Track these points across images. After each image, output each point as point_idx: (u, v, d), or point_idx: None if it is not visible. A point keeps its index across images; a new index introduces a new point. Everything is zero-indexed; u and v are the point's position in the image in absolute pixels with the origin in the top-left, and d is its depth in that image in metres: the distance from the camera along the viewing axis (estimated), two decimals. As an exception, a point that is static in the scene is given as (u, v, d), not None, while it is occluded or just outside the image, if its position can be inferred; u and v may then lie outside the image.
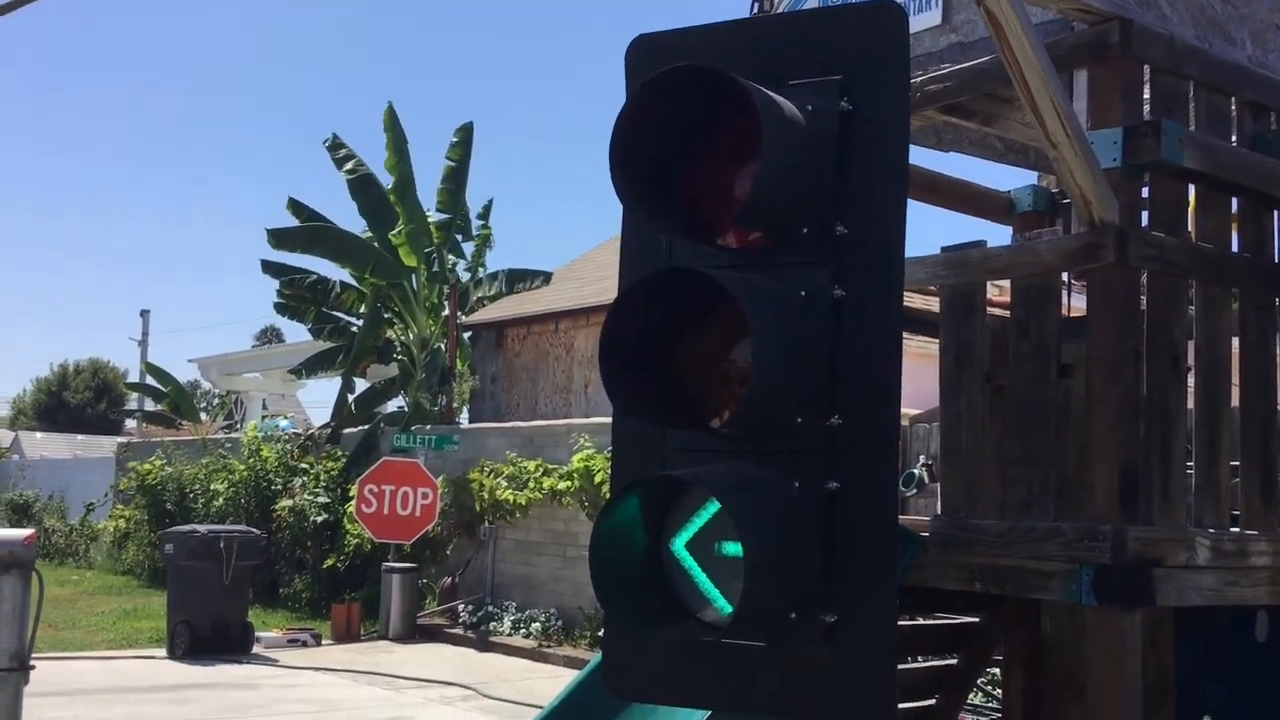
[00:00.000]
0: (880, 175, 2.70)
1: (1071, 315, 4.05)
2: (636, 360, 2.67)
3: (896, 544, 2.70)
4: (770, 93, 2.60)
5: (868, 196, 2.68)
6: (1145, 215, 3.80)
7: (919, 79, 4.02)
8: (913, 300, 7.47)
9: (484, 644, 14.90)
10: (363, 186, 21.74)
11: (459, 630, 15.57)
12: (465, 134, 22.20)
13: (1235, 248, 4.00)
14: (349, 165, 21.75)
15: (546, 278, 22.52)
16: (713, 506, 2.60)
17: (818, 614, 2.57)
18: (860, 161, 2.69)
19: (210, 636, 13.46)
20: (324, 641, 14.94)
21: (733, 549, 2.58)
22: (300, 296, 22.30)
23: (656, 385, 2.70)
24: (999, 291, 4.63)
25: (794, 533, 2.57)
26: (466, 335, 23.44)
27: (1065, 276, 4.47)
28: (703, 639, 2.62)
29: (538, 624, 14.79)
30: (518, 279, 22.65)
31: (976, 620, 5.53)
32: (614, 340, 2.64)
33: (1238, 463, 4.08)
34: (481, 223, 23.47)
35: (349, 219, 23.17)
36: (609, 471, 3.02)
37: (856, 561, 2.59)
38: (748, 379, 2.64)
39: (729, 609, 2.58)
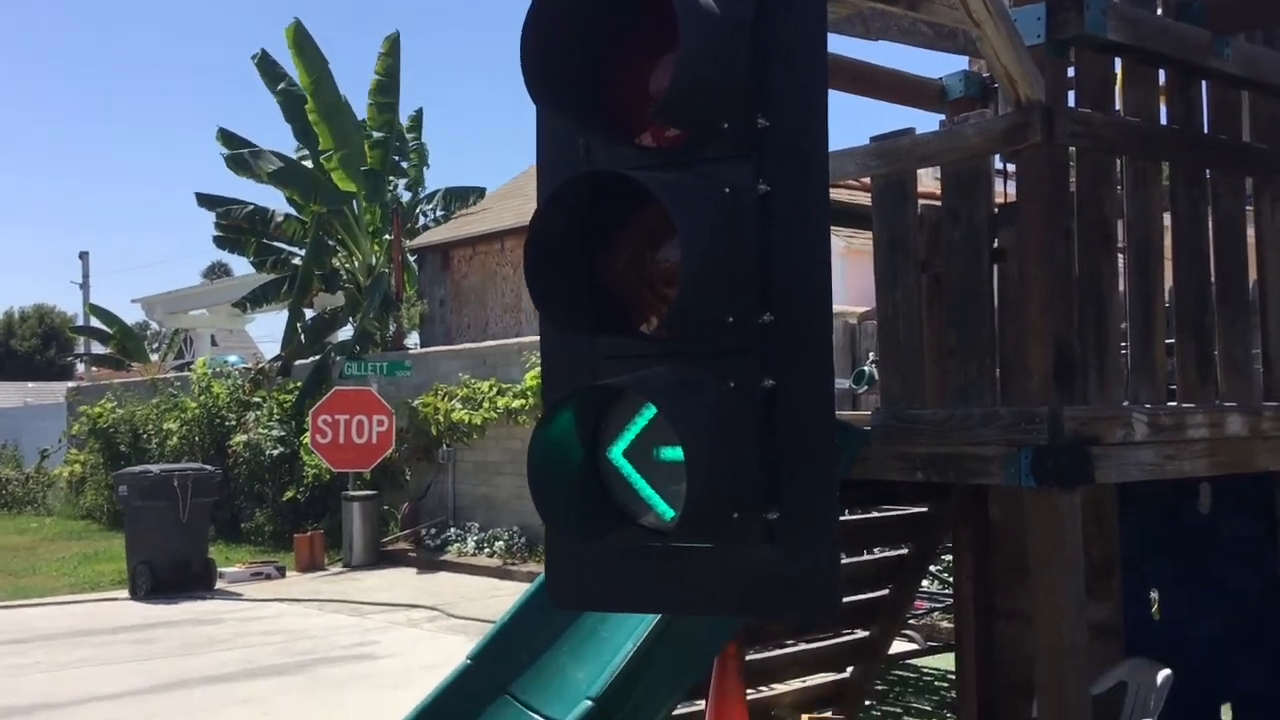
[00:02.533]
0: (800, 63, 2.63)
1: (1008, 203, 4.02)
2: (561, 269, 2.62)
3: (835, 438, 2.68)
4: (683, -17, 2.51)
5: (788, 87, 2.61)
6: (1073, 96, 3.77)
7: (840, -36, 3.92)
8: (847, 194, 7.44)
9: (449, 565, 14.97)
10: (295, 106, 21.18)
11: (422, 554, 15.63)
12: (392, 45, 21.61)
13: (1164, 121, 3.97)
14: (281, 85, 21.19)
15: (481, 193, 22.19)
16: (648, 412, 2.56)
17: (760, 512, 2.56)
18: (779, 51, 2.62)
19: (171, 575, 13.42)
20: (288, 573, 14.95)
21: (670, 453, 2.55)
22: (238, 228, 21.91)
23: (583, 292, 2.65)
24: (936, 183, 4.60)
25: (732, 432, 2.54)
26: (412, 259, 23.18)
27: (1003, 164, 4.46)
28: (646, 544, 2.60)
29: (501, 542, 14.86)
30: (455, 197, 22.30)
31: (925, 510, 5.60)
32: (537, 250, 2.58)
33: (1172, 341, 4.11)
34: (414, 136, 22.99)
35: (284, 145, 22.69)
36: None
37: (796, 457, 2.57)
38: (675, 280, 2.59)
39: (671, 513, 2.56)
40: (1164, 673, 4.77)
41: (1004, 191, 4.32)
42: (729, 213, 2.57)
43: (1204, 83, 4.02)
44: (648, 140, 2.65)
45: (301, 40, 20.56)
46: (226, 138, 21.64)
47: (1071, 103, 3.72)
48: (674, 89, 2.49)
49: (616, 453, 2.61)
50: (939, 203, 4.16)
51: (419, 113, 23.50)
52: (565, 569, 2.79)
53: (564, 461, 2.58)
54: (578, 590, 2.79)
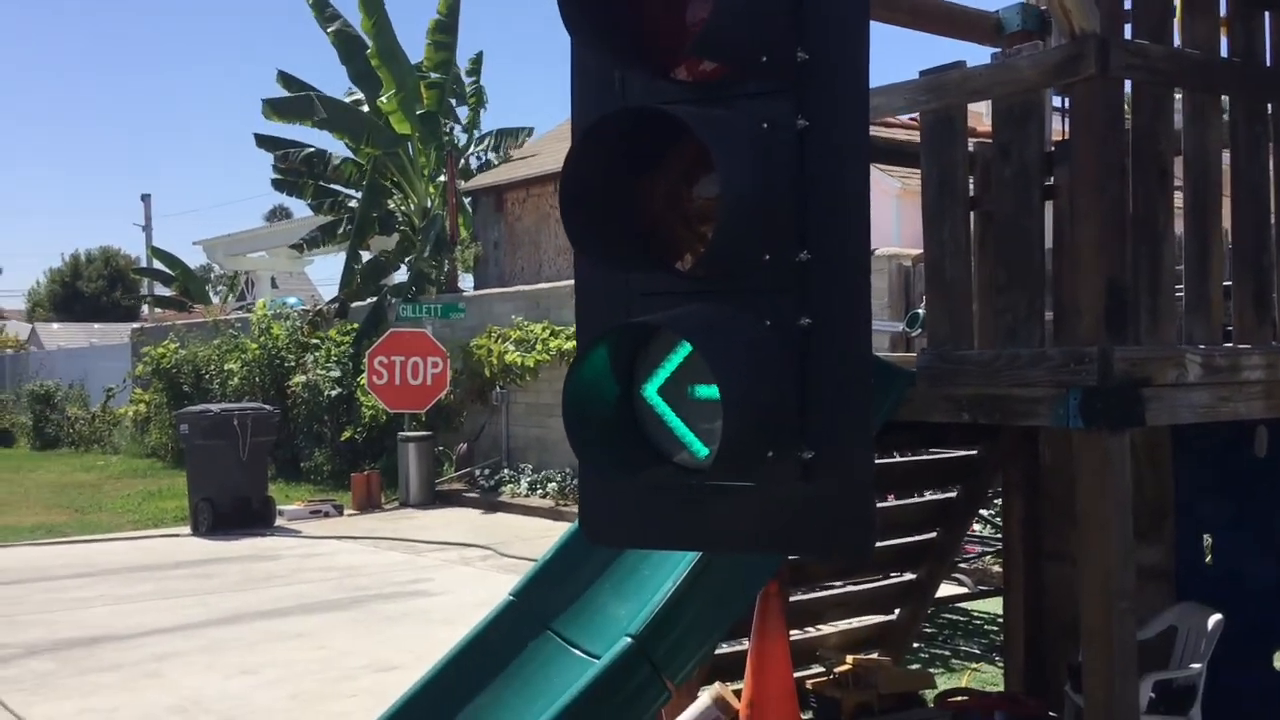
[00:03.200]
0: (841, -5, 2.56)
1: (1064, 139, 3.92)
2: (597, 205, 2.58)
3: (872, 378, 2.64)
4: (721, -88, 2.45)
5: (829, 20, 2.54)
6: (1129, 29, 3.65)
7: (889, -107, 3.82)
8: (904, 134, 7.30)
9: (502, 506, 15.12)
10: (351, 48, 21.19)
11: (477, 494, 15.79)
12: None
13: (1224, 53, 3.84)
14: (334, 26, 21.18)
15: (529, 132, 22.14)
16: (683, 350, 2.54)
17: (795, 451, 2.53)
18: (819, -20, 2.55)
19: (232, 512, 13.68)
20: (346, 511, 15.18)
21: (705, 391, 2.53)
22: (296, 171, 22.04)
23: (619, 229, 2.62)
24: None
25: (767, 371, 2.51)
26: (467, 200, 23.21)
27: (1061, 102, 4.34)
28: (680, 482, 2.59)
29: (554, 484, 14.97)
30: (505, 136, 22.27)
31: (975, 453, 5.55)
32: (573, 187, 2.55)
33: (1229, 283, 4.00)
34: (473, 79, 22.94)
35: (337, 88, 22.73)
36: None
37: (831, 397, 2.54)
38: (712, 217, 2.56)
39: (705, 452, 2.54)
40: (1215, 617, 4.71)
41: (1061, 129, 4.21)
42: (767, 148, 2.53)
43: (1266, 13, 3.87)
44: (684, 74, 2.60)
45: None
46: (286, 80, 21.72)
47: (1128, 35, 3.60)
48: (712, 21, 2.44)
49: (651, 390, 2.59)
50: (990, 140, 4.07)
51: (479, 56, 23.45)
52: (599, 505, 2.79)
53: (598, 399, 2.57)
54: (611, 527, 2.79)
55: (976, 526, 9.33)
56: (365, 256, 22.52)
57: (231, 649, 8.15)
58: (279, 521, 14.20)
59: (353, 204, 22.26)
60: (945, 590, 8.19)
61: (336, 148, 22.33)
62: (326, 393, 18.20)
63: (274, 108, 20.94)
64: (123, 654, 8.08)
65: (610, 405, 2.58)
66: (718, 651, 4.96)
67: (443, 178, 21.30)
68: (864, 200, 2.53)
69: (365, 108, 21.53)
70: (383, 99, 20.61)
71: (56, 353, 34.72)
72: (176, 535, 13.65)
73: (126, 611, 9.45)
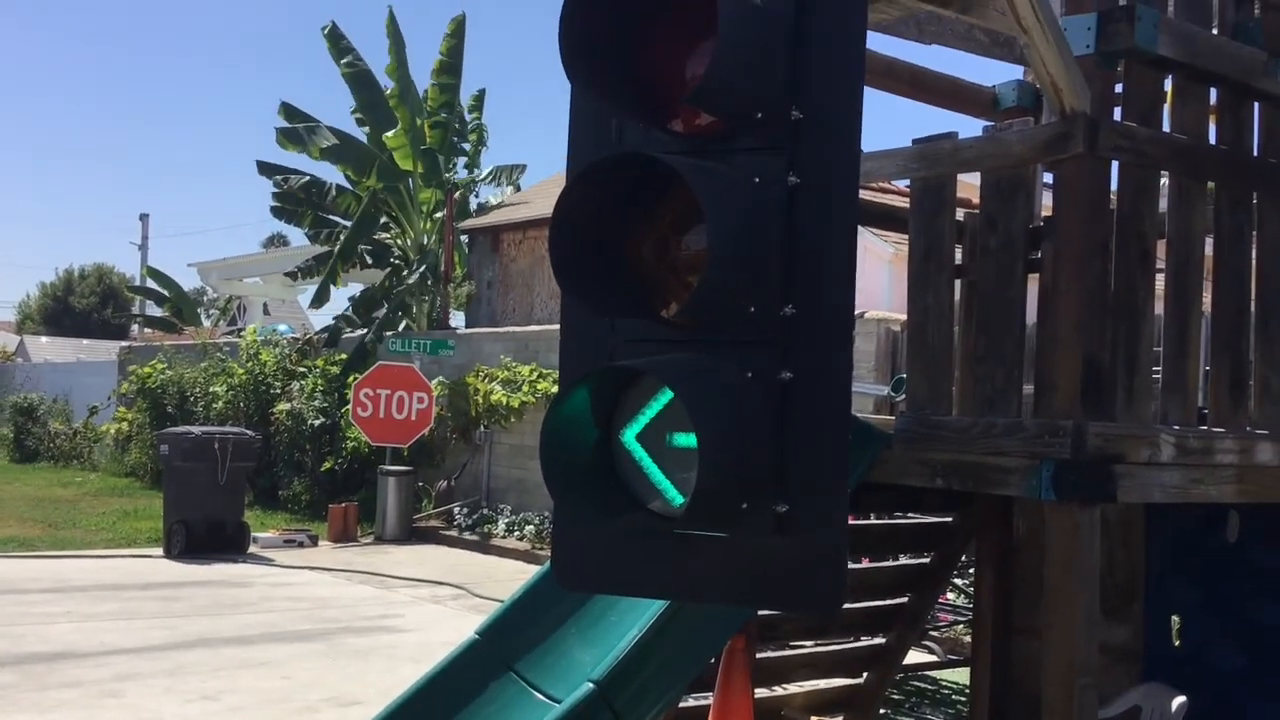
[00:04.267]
0: (838, 59, 2.61)
1: (1050, 216, 3.98)
2: (586, 248, 2.62)
3: (850, 435, 2.67)
4: (724, -29, 2.51)
5: (825, 81, 2.60)
6: (1120, 111, 3.72)
7: (892, -36, 3.89)
8: (899, 201, 7.39)
9: (479, 546, 15.06)
10: (361, 83, 21.48)
11: (454, 533, 15.73)
12: (458, 26, 21.84)
13: (1213, 140, 3.91)
14: (347, 59, 21.47)
15: (523, 170, 22.42)
16: (664, 397, 2.56)
17: (769, 503, 2.55)
18: (817, 45, 2.60)
19: (206, 536, 13.60)
20: (320, 542, 15.11)
21: (683, 440, 2.55)
22: (295, 198, 22.13)
23: (607, 273, 2.65)
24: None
25: (747, 422, 2.54)
26: (463, 239, 23.30)
27: (1048, 177, 4.40)
28: (654, 529, 2.61)
29: (531, 526, 14.93)
30: (499, 174, 22.52)
31: (949, 520, 5.56)
32: (564, 227, 2.59)
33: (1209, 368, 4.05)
34: (474, 116, 23.15)
35: (338, 119, 22.97)
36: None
37: (809, 451, 2.56)
38: (699, 267, 2.59)
39: (680, 499, 2.55)
40: (1179, 699, 4.71)
41: (1052, 205, 4.27)
42: (757, 203, 2.57)
43: (1256, 104, 3.95)
44: (680, 126, 2.65)
45: (394, 28, 21.18)
46: (288, 111, 21.88)
47: (1118, 117, 3.67)
48: (709, 76, 2.48)
49: (630, 436, 2.61)
50: (978, 211, 4.13)
51: (481, 93, 23.66)
52: (572, 549, 2.80)
53: (577, 440, 2.59)
54: (583, 572, 2.80)
55: (950, 595, 9.33)
56: (356, 288, 22.57)
57: (194, 674, 8.08)
58: (252, 548, 14.12)
59: (349, 235, 22.34)
60: (915, 657, 8.16)
61: (337, 178, 22.49)
62: (310, 422, 18.16)
63: (286, 135, 21.13)
64: (84, 672, 8.00)
65: (588, 447, 2.60)
66: (681, 704, 4.94)
67: (440, 214, 21.40)
68: (850, 259, 2.57)
69: (365, 136, 21.73)
70: (389, 135, 20.81)
71: (43, 366, 34.58)
72: (149, 556, 13.56)
73: (91, 630, 9.37)
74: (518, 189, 24.50)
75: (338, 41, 21.66)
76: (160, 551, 13.68)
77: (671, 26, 2.63)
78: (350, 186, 22.13)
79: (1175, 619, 5.46)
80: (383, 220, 22.07)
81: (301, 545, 14.76)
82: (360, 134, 22.01)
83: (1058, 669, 3.55)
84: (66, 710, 7.04)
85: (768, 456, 2.53)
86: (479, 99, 23.53)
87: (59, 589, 11.13)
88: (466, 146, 23.08)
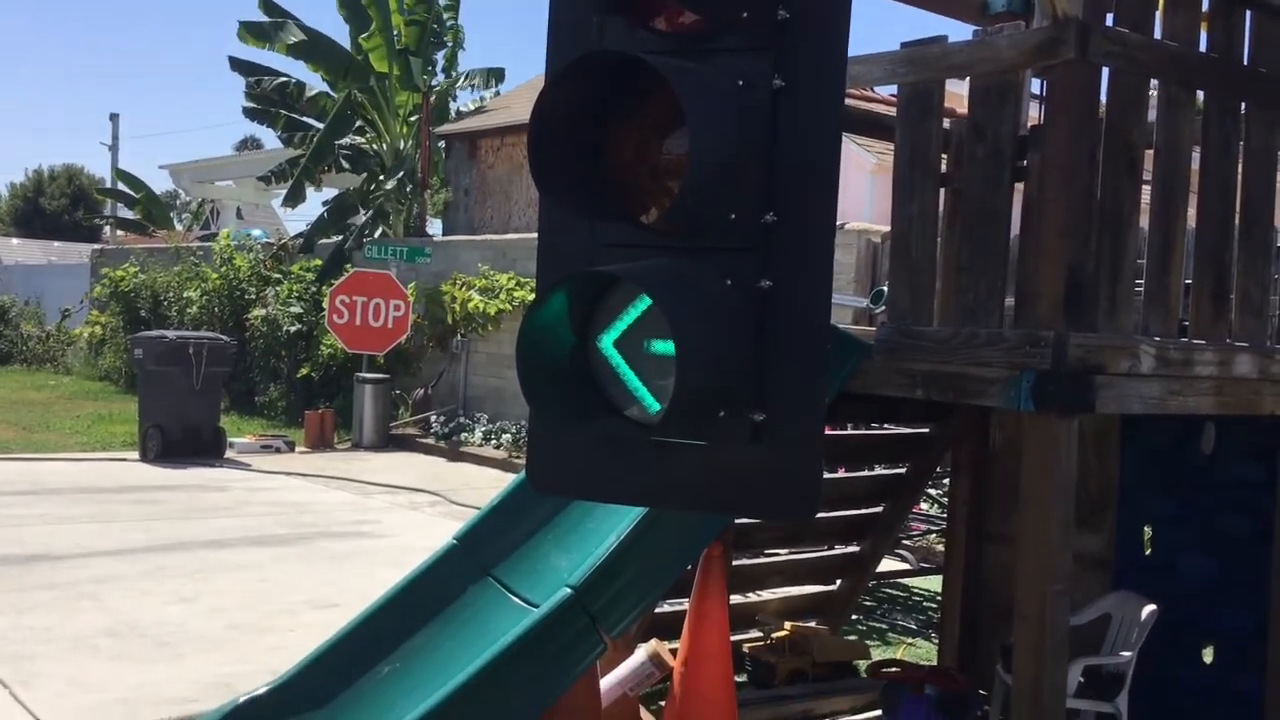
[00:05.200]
0: (826, -44, 2.53)
1: (1039, 125, 3.92)
2: (566, 148, 2.56)
3: (829, 345, 2.64)
4: None
5: (812, -21, 2.52)
6: (1112, 18, 3.64)
7: None
8: (875, 105, 7.28)
9: (455, 454, 15.09)
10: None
11: (431, 440, 15.75)
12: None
13: (1204, 47, 3.85)
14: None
15: (500, 75, 22.06)
16: (642, 303, 2.52)
17: (746, 412, 2.53)
18: (804, -59, 2.52)
19: (182, 440, 13.57)
20: (297, 448, 15.10)
21: (660, 347, 2.52)
22: (269, 99, 21.72)
23: (586, 176, 2.60)
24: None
25: (725, 329, 2.51)
26: (441, 144, 22.99)
27: (1041, 88, 4.33)
28: (630, 436, 2.59)
29: (508, 435, 14.96)
30: (476, 77, 22.17)
31: (926, 430, 5.58)
32: (543, 128, 2.52)
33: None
34: (451, 17, 22.65)
35: (319, 19, 22.47)
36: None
37: (787, 360, 2.54)
38: (680, 172, 2.54)
39: (656, 406, 2.53)
40: (1149, 608, 4.77)
41: (1039, 116, 4.21)
42: (741, 107, 2.51)
43: (1248, 12, 3.88)
44: (663, 24, 2.58)
45: None
46: (268, 6, 21.35)
47: (1110, 23, 3.59)
48: (694, -30, 2.41)
49: (607, 342, 2.58)
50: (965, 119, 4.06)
51: (458, -9, 23.13)
52: (547, 453, 2.78)
53: (553, 346, 2.56)
54: (558, 475, 2.79)
55: (924, 505, 9.42)
56: (331, 192, 22.28)
57: (171, 576, 8.10)
58: (229, 453, 14.10)
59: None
60: (887, 565, 8.26)
61: (313, 80, 22.04)
62: (286, 328, 18.05)
63: (250, 30, 20.60)
64: (60, 574, 8.01)
65: (565, 352, 2.57)
66: (657, 609, 4.99)
67: (416, 118, 21.07)
68: (834, 167, 2.52)
69: (344, 37, 21.28)
70: (364, 36, 20.38)
71: (14, 268, 34.19)
72: (124, 460, 13.53)
73: (67, 532, 9.37)
74: (498, 94, 24.10)
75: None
76: (136, 455, 13.65)
77: (654, -80, 2.54)
78: (327, 88, 21.72)
79: (1147, 529, 5.53)
80: (358, 124, 21.70)
81: (279, 451, 14.76)
82: (332, 32, 21.53)
83: (1030, 575, 3.58)
84: (43, 612, 7.06)
85: (746, 365, 2.51)
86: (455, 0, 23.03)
87: (34, 491, 11.11)
88: (443, 50, 22.63)
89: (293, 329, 18.00)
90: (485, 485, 12.43)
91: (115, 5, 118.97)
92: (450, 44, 22.70)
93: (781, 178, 2.51)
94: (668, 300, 2.40)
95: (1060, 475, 3.48)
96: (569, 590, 3.51)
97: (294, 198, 20.91)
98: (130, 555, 8.65)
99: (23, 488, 11.32)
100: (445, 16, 22.45)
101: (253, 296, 19.25)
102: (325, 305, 16.26)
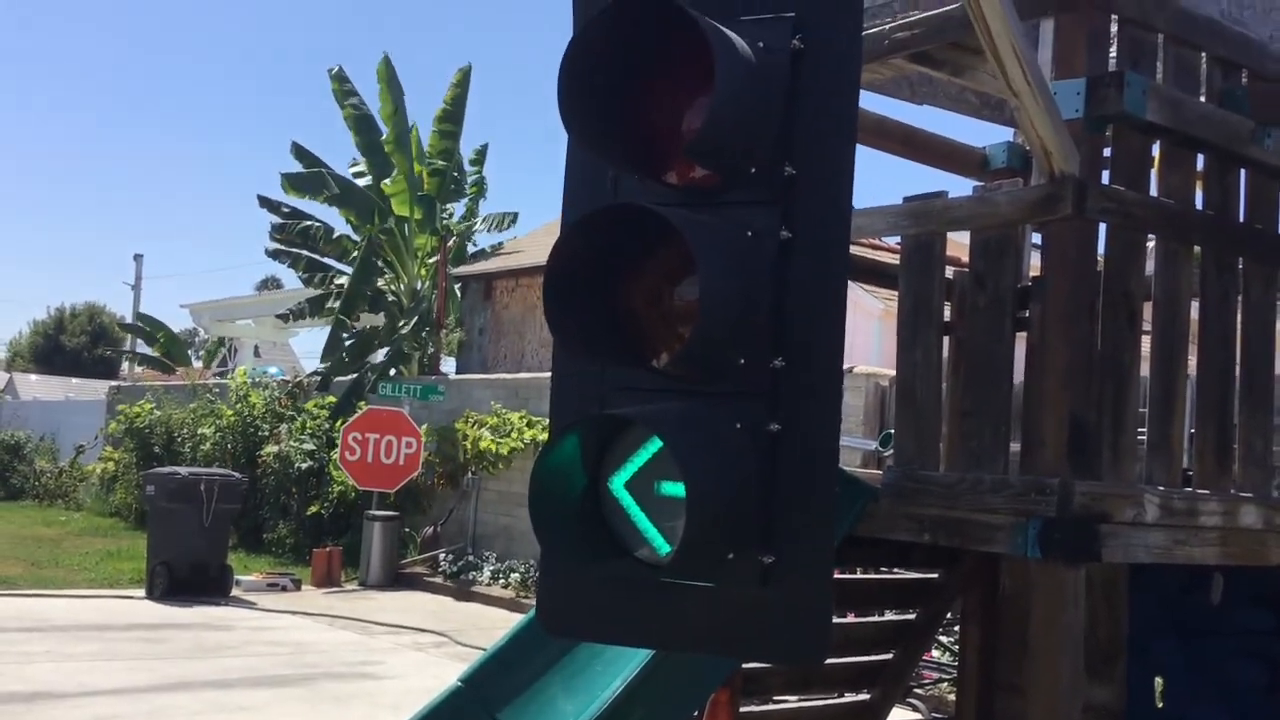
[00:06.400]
0: (831, 116, 2.66)
1: (1038, 275, 4.02)
2: (579, 297, 2.65)
3: (837, 488, 2.68)
4: (722, 27, 2.57)
5: (817, 138, 2.64)
6: (1108, 175, 3.78)
7: (887, 25, 3.97)
8: (890, 257, 7.46)
9: (463, 594, 14.96)
10: (363, 125, 21.69)
11: (439, 579, 15.64)
12: (463, 76, 22.07)
13: (1200, 205, 3.97)
14: (352, 100, 21.66)
15: (514, 218, 22.62)
16: (652, 446, 2.58)
17: (755, 554, 2.56)
18: (811, 102, 2.65)
19: (189, 578, 13.50)
20: (304, 587, 15.00)
21: (671, 489, 2.56)
22: (291, 241, 22.22)
23: (599, 321, 2.68)
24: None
25: (734, 473, 2.55)
26: (457, 286, 23.37)
27: (1037, 238, 4.46)
28: (640, 578, 2.61)
29: (517, 574, 14.85)
30: (493, 220, 22.73)
31: (935, 576, 5.56)
32: (558, 275, 2.61)
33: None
34: (475, 170, 23.30)
35: (344, 157, 23.18)
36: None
37: (795, 503, 2.58)
38: (691, 318, 2.62)
39: (666, 548, 2.57)
40: (1162, 762, 4.69)
41: (1040, 265, 4.32)
42: (750, 256, 2.60)
43: (1242, 171, 4.02)
44: (675, 178, 2.69)
45: (389, 75, 21.36)
46: (300, 153, 22.02)
47: (1106, 180, 3.72)
48: (705, 130, 2.53)
49: (618, 483, 2.62)
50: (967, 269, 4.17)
51: (484, 147, 23.89)
52: (557, 595, 2.80)
53: (565, 487, 2.60)
54: (568, 618, 2.81)
55: (935, 653, 9.29)
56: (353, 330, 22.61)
57: (173, 717, 8.01)
58: (235, 591, 14.02)
59: (343, 279, 22.39)
60: (900, 715, 8.12)
61: (335, 222, 22.61)
62: (298, 464, 18.09)
63: (291, 183, 21.32)
64: (62, 713, 7.93)
65: (576, 494, 2.61)
66: (665, 756, 4.91)
67: (434, 259, 21.49)
68: (840, 313, 2.61)
69: (365, 181, 21.89)
70: (387, 181, 20.97)
71: (31, 404, 34.45)
72: (130, 597, 13.45)
73: (71, 670, 9.28)
74: (514, 239, 24.67)
75: (343, 84, 21.89)
76: (142, 593, 13.57)
77: (669, 80, 2.68)
78: (349, 230, 22.24)
79: (1158, 680, 5.45)
80: (377, 264, 22.16)
81: (285, 589, 14.66)
82: (358, 177, 22.17)
83: (1041, 728, 3.55)
84: (42, 751, 6.98)
85: (755, 507, 2.55)
86: (481, 153, 23.73)
87: (39, 628, 11.03)
88: (465, 200, 23.27)
89: (305, 465, 18.04)
90: (491, 625, 12.30)
91: (139, 148, 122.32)
92: (473, 195, 23.33)
93: (790, 324, 2.59)
94: (678, 442, 2.46)
95: (1069, 625, 3.48)
96: (575, 735, 3.48)
97: (333, 350, 21.08)
98: (133, 695, 8.56)
99: (28, 624, 11.25)
100: (470, 169, 23.13)
101: (266, 433, 19.35)
102: (338, 442, 16.33)
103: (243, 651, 10.57)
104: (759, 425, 2.56)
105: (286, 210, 22.39)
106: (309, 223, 22.23)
